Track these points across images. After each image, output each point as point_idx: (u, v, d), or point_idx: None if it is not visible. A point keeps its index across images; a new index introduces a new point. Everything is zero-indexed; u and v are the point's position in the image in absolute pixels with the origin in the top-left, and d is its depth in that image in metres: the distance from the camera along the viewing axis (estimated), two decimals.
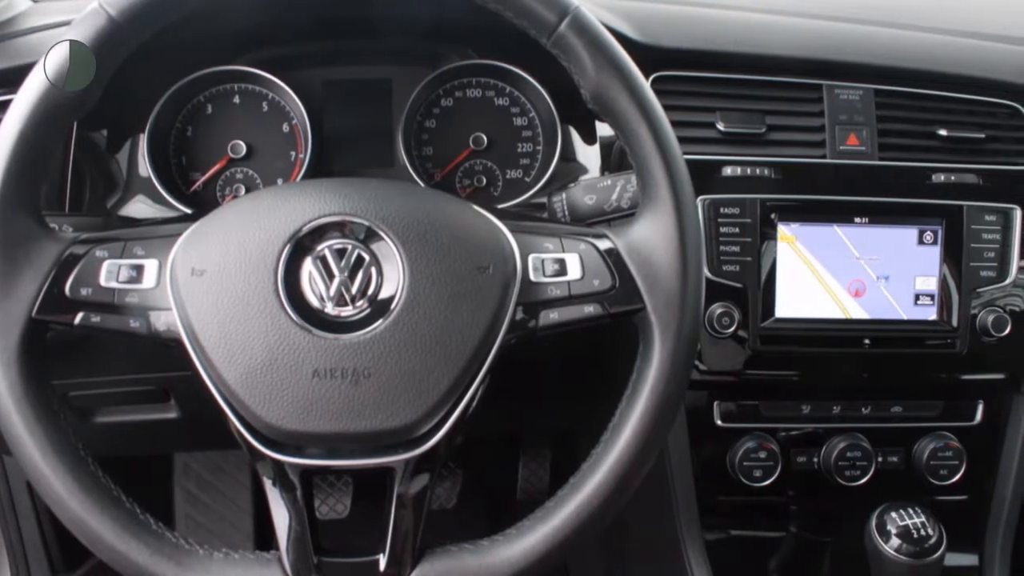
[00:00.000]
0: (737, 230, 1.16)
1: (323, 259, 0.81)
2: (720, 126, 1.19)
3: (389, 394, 0.79)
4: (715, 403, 1.23)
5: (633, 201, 0.99)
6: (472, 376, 0.81)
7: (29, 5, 1.25)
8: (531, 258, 0.85)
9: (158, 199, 1.16)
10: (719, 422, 1.23)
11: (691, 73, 1.21)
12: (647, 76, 0.89)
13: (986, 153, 1.24)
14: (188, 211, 1.15)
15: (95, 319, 0.82)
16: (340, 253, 0.82)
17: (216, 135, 1.20)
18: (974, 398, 1.27)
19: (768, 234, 1.16)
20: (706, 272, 1.13)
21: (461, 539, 0.85)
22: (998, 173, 1.23)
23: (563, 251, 0.86)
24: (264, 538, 1.90)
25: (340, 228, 0.82)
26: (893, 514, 1.09)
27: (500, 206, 1.16)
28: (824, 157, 1.20)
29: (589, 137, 1.22)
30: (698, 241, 0.86)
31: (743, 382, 1.20)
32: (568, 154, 1.22)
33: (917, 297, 1.19)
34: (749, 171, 1.17)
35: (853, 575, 1.17)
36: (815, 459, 1.24)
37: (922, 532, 1.07)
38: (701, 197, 1.15)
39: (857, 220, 1.18)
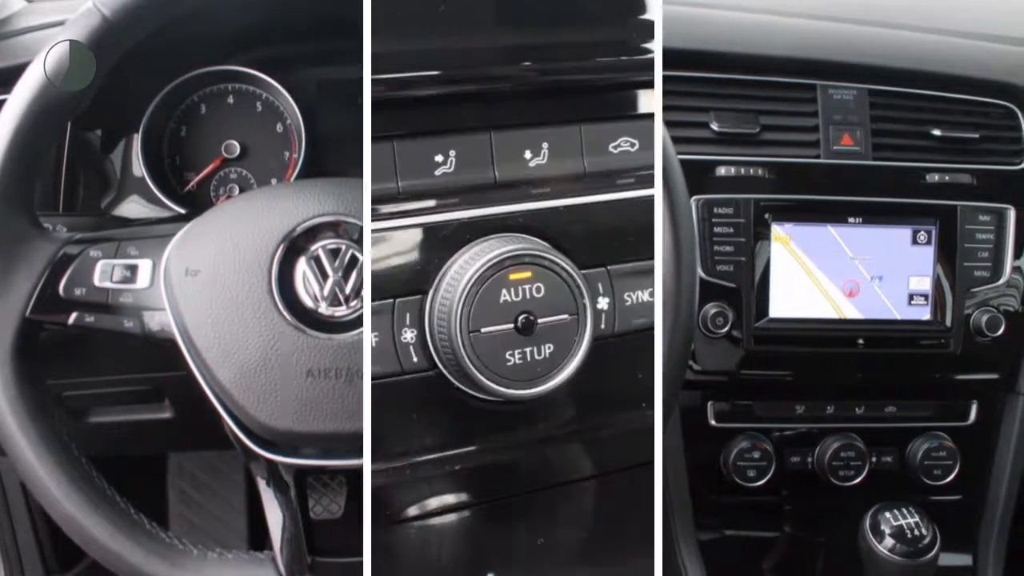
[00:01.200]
0: (731, 230, 1.16)
1: (317, 259, 0.81)
2: (714, 126, 1.19)
3: None
4: (709, 403, 1.23)
5: None
6: None
7: (23, 5, 1.25)
8: None
9: (152, 199, 1.16)
10: (713, 422, 1.23)
11: (685, 73, 1.20)
12: None
13: (980, 153, 1.24)
14: (182, 211, 1.14)
15: (89, 319, 0.82)
16: (334, 253, 0.81)
17: (210, 135, 1.19)
18: (968, 398, 1.27)
19: (762, 234, 1.17)
20: (700, 272, 1.13)
21: None
22: (992, 173, 1.23)
23: None
24: (258, 538, 1.89)
25: (334, 228, 0.82)
26: (887, 514, 1.09)
27: None
28: (818, 157, 1.20)
29: None
30: (692, 241, 0.86)
31: (737, 382, 1.20)
32: None
33: (911, 297, 1.19)
34: (743, 171, 1.17)
35: (847, 575, 1.17)
36: (809, 459, 1.24)
37: (916, 532, 1.07)
38: (695, 197, 1.15)
39: (851, 220, 1.18)
